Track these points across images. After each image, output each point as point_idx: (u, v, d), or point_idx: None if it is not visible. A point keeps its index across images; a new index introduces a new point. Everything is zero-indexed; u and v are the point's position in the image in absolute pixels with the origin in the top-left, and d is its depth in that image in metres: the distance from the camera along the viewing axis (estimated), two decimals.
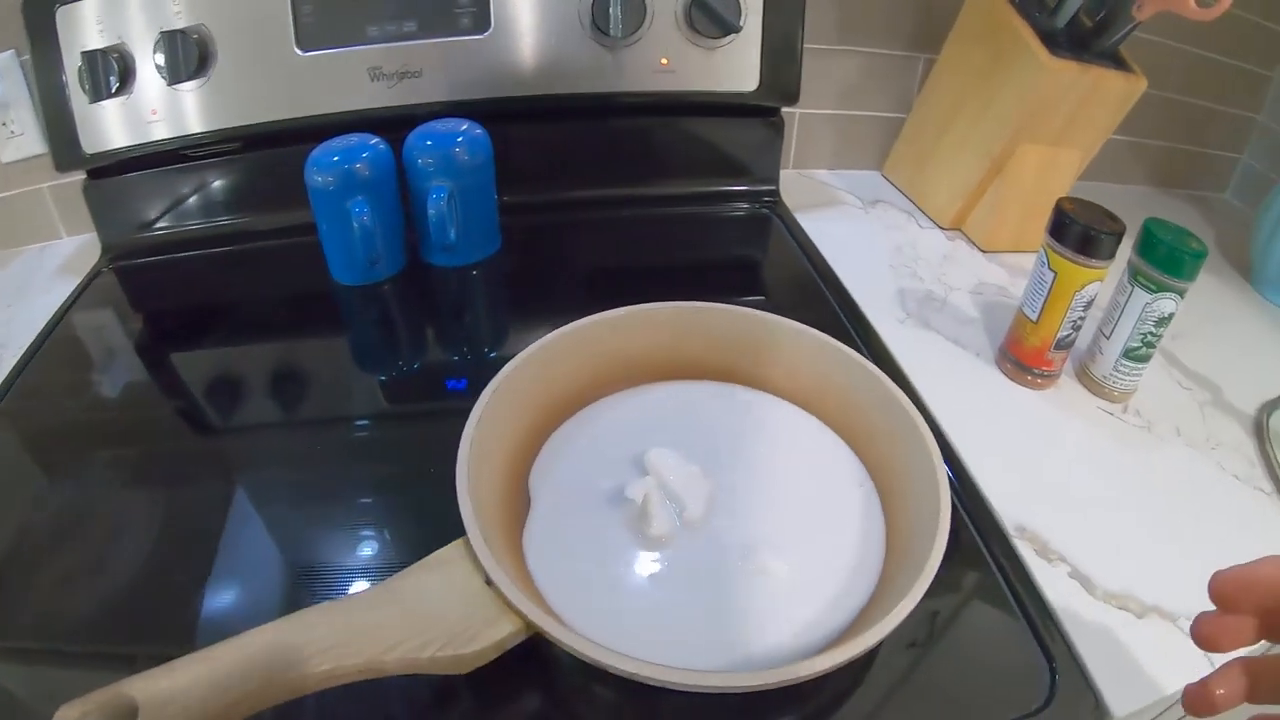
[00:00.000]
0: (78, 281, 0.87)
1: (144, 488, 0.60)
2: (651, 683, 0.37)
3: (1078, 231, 0.62)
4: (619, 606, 0.45)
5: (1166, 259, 0.64)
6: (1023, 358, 0.68)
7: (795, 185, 0.96)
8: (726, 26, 0.76)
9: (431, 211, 0.72)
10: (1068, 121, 0.81)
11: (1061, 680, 0.45)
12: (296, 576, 0.52)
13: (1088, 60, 0.78)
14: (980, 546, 0.53)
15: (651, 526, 0.47)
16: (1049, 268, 0.64)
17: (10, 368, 0.71)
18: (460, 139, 0.74)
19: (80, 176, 0.87)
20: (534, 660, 0.42)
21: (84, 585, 0.51)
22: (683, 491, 0.49)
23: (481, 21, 0.77)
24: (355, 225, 0.71)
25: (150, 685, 0.34)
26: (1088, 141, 0.86)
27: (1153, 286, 0.65)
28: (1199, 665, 0.46)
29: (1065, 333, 0.66)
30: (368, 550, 0.52)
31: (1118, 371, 0.67)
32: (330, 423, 0.66)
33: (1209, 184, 1.14)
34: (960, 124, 0.86)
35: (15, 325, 0.81)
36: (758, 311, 0.57)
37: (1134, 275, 0.67)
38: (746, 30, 0.78)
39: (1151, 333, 0.65)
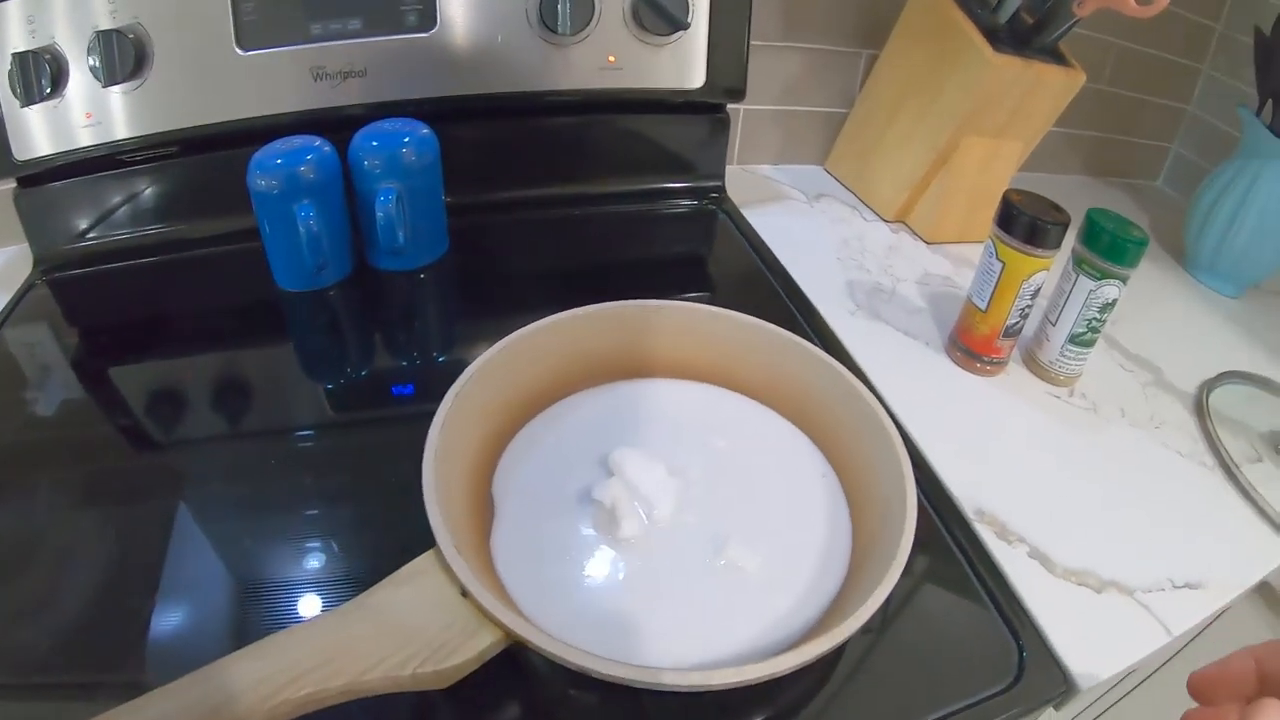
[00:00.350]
0: (9, 296, 0.83)
1: (86, 509, 0.57)
2: (635, 685, 0.36)
3: (1025, 222, 0.63)
4: (594, 609, 0.44)
5: (1110, 247, 0.66)
6: (972, 345, 0.70)
7: (740, 181, 0.96)
8: (675, 23, 0.76)
9: (380, 214, 0.70)
10: (1010, 115, 0.83)
11: (1029, 658, 0.46)
12: (248, 593, 0.50)
13: (1029, 55, 0.80)
14: (942, 531, 0.54)
15: (621, 529, 0.47)
16: (997, 258, 0.66)
17: None
18: (407, 139, 0.72)
19: (10, 185, 0.84)
20: (510, 669, 0.41)
21: (31, 616, 0.49)
22: (650, 491, 0.49)
23: (427, 19, 0.75)
24: (301, 230, 0.69)
25: None
26: (1029, 133, 0.88)
27: (1097, 274, 0.67)
28: (1158, 636, 0.48)
29: (1013, 320, 0.67)
30: (321, 563, 0.51)
31: (1064, 357, 0.69)
32: (277, 434, 0.64)
33: (1142, 172, 1.18)
34: (904, 119, 0.88)
35: None
36: (713, 307, 0.58)
37: (1078, 263, 0.69)
38: (693, 28, 0.78)
39: (1096, 319, 0.67)
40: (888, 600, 0.39)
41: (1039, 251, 0.64)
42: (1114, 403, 0.69)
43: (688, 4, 0.76)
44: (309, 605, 0.48)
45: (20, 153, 0.79)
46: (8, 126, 0.78)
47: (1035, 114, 0.85)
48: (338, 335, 0.76)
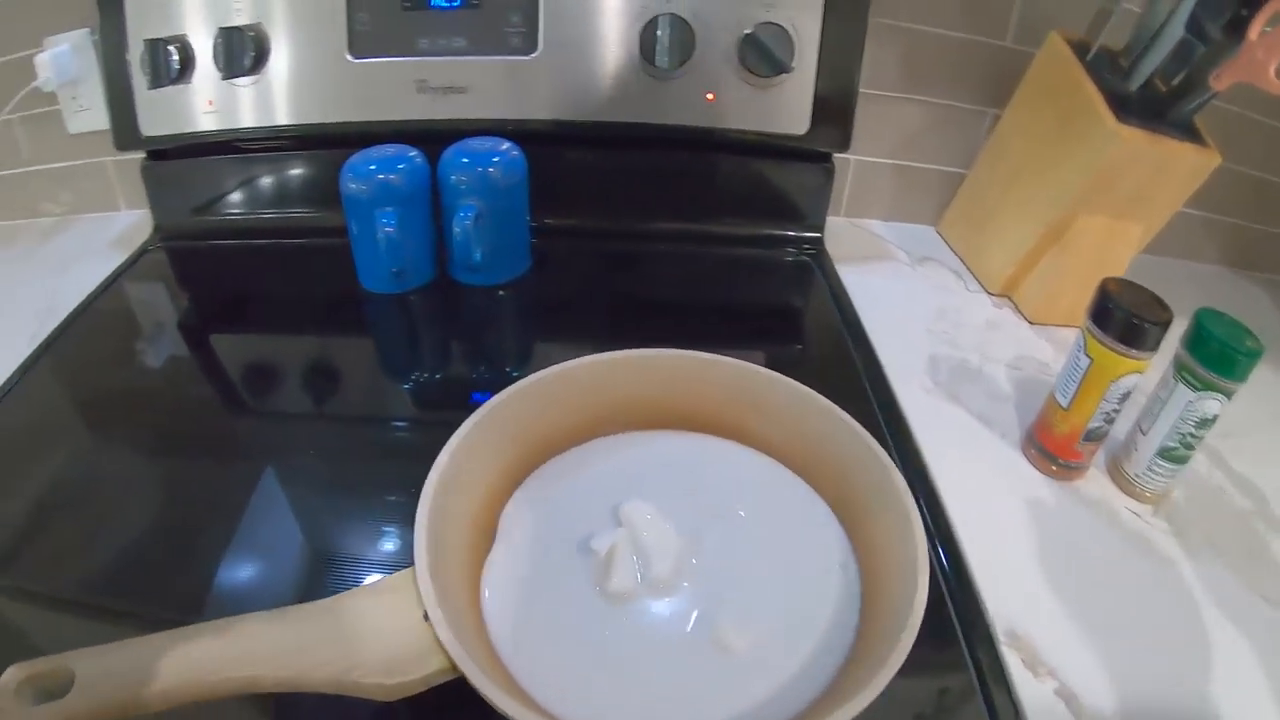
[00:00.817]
0: (129, 254, 0.91)
1: (178, 458, 0.64)
2: None
3: (1120, 318, 0.57)
4: (565, 660, 0.43)
5: (1216, 356, 0.60)
6: (1050, 445, 0.64)
7: (845, 234, 0.93)
8: (777, 65, 0.74)
9: (456, 230, 0.72)
10: (1133, 193, 0.77)
11: None
12: (314, 561, 0.54)
13: (1159, 130, 0.74)
14: (962, 647, 0.50)
15: (610, 581, 0.46)
16: (1085, 353, 0.60)
17: (54, 328, 0.77)
18: (496, 159, 0.73)
19: (139, 156, 0.90)
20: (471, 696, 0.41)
21: (106, 542, 0.54)
22: (652, 549, 0.47)
23: (530, 43, 0.76)
24: (380, 236, 0.71)
25: (91, 662, 0.37)
26: (1153, 215, 0.81)
27: (1198, 384, 0.61)
28: None
29: (1097, 424, 0.62)
30: (387, 545, 0.54)
31: (1151, 471, 0.63)
32: (353, 420, 0.68)
33: None
34: (1021, 186, 0.83)
35: (65, 291, 0.85)
36: (761, 369, 0.55)
37: (1179, 370, 0.63)
38: (800, 71, 0.76)
39: (1192, 434, 0.61)
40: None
41: (1132, 352, 0.58)
42: (1203, 530, 0.62)
43: (792, 46, 0.74)
44: (361, 579, 0.51)
45: (147, 129, 0.86)
46: (138, 104, 0.84)
47: (1162, 194, 0.78)
48: (412, 339, 0.78)
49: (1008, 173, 0.85)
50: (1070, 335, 0.81)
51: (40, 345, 0.75)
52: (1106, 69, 0.78)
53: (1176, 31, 0.72)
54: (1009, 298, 0.85)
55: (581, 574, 0.47)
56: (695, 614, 0.46)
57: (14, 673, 0.36)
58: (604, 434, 0.57)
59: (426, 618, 0.40)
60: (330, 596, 0.42)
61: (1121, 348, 0.58)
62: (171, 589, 0.51)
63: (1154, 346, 0.58)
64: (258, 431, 0.67)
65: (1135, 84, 0.76)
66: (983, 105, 0.89)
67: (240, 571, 0.52)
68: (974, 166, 0.91)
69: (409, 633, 0.40)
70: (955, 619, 0.51)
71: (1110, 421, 0.62)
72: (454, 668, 0.38)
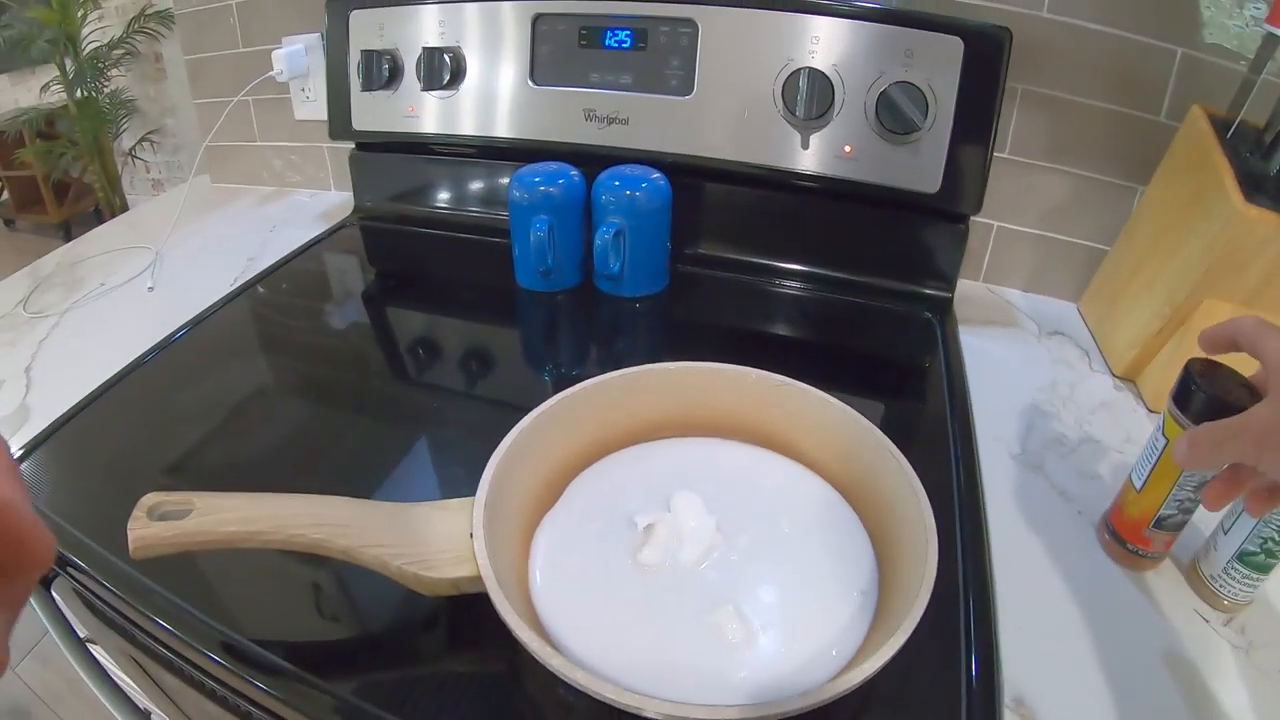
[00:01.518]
0: (330, 225, 1.06)
1: (335, 406, 0.76)
2: (556, 673, 0.42)
3: (1201, 400, 0.53)
4: (585, 608, 0.50)
5: None
6: (1120, 528, 0.62)
7: (979, 299, 0.93)
8: (908, 124, 0.77)
9: (598, 243, 0.80)
10: (1264, 281, 0.73)
11: None
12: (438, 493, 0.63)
13: None
14: (961, 701, 0.49)
15: (643, 553, 0.52)
16: (1163, 433, 0.57)
17: (255, 274, 0.93)
18: (643, 184, 0.81)
19: (349, 146, 1.04)
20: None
21: (261, 459, 0.68)
22: (688, 535, 0.53)
23: (687, 85, 0.84)
24: (532, 238, 0.81)
25: (208, 500, 0.48)
26: None
27: None
28: None
29: (1170, 512, 0.59)
30: None
31: (1229, 575, 0.58)
32: (490, 400, 0.77)
33: None
34: (1150, 265, 0.81)
35: (270, 246, 1.03)
36: (831, 399, 0.59)
37: None
38: (935, 131, 0.78)
39: (1274, 540, 0.56)
40: None
41: None
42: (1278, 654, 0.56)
43: (928, 107, 0.77)
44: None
45: (359, 124, 0.99)
46: (352, 103, 0.97)
47: None
48: (551, 333, 0.87)
49: (1141, 250, 0.83)
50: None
51: (240, 285, 0.90)
52: (1248, 147, 0.74)
53: None
54: (1133, 381, 0.84)
55: (623, 542, 0.54)
56: (711, 598, 0.50)
57: (151, 497, 0.47)
58: (677, 435, 0.63)
59: (471, 535, 0.48)
60: (403, 502, 0.52)
61: None
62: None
63: None
64: (412, 395, 0.77)
65: (1275, 164, 0.72)
66: (1132, 181, 0.87)
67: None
68: (1115, 243, 0.89)
69: (454, 543, 0.49)
70: (965, 674, 0.51)
71: (1187, 512, 0.58)
72: (479, 578, 0.46)
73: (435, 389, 0.78)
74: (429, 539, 0.49)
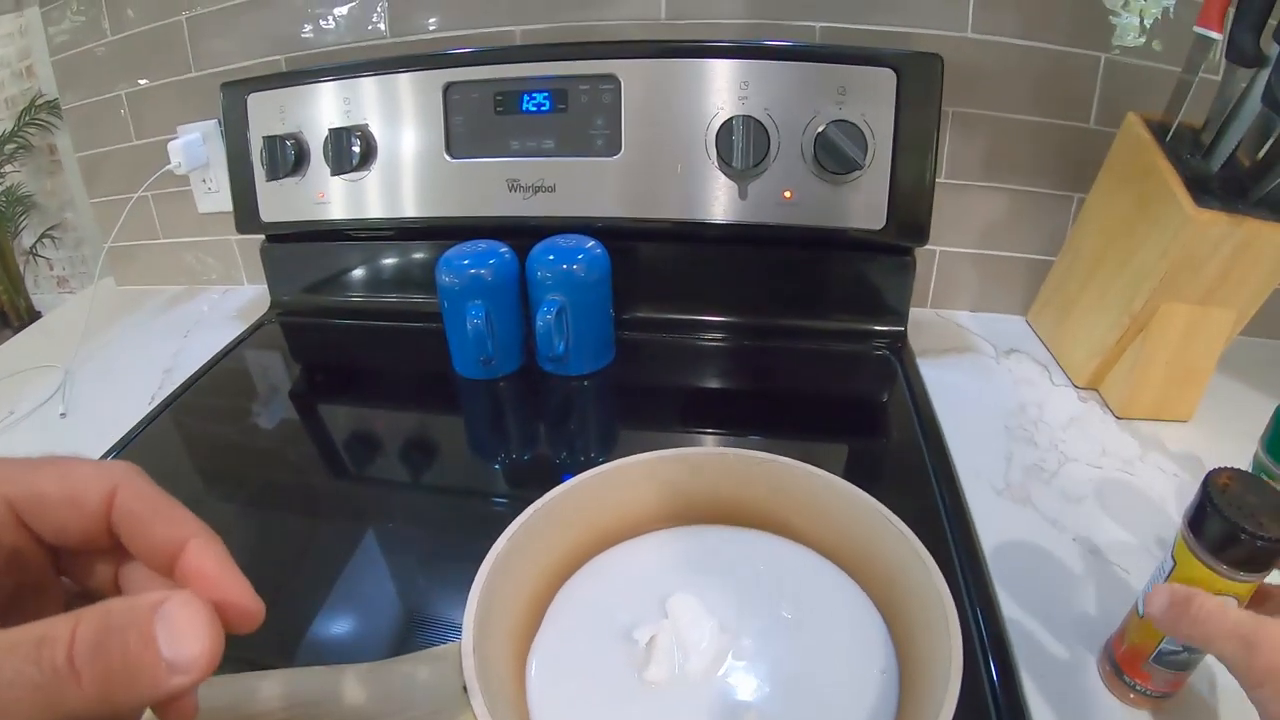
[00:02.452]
0: (249, 325, 0.99)
1: (279, 511, 0.70)
2: None
3: (1219, 526, 0.42)
4: None
5: None
6: (1120, 657, 0.51)
7: (930, 326, 0.92)
8: (849, 163, 0.75)
9: (539, 324, 0.75)
10: (1219, 277, 0.74)
11: None
12: (396, 619, 0.58)
13: (1243, 210, 0.71)
14: None
15: (649, 670, 0.48)
16: (1172, 555, 0.47)
17: (175, 387, 0.86)
18: (580, 256, 0.77)
19: (259, 239, 0.98)
20: None
21: None
22: (692, 642, 0.49)
23: (613, 145, 0.80)
24: (469, 327, 0.76)
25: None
26: (1245, 299, 0.78)
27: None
28: None
29: (1174, 648, 0.47)
30: (458, 610, 0.57)
31: None
32: (441, 492, 0.73)
33: None
34: (1102, 274, 0.81)
35: (185, 354, 0.96)
36: (818, 470, 0.55)
37: (1258, 471, 0.61)
38: (875, 167, 0.76)
39: None
40: None
41: (1231, 572, 0.42)
42: None
43: (867, 143, 0.75)
44: (437, 642, 0.54)
45: (266, 215, 0.94)
46: (258, 192, 0.92)
47: (1250, 277, 0.75)
48: (499, 422, 0.82)
49: (1090, 260, 0.83)
50: (1157, 430, 0.78)
51: (160, 403, 0.83)
52: (1187, 149, 0.75)
53: (1255, 104, 0.69)
54: (1096, 390, 0.84)
55: (624, 660, 0.49)
56: (729, 709, 0.47)
57: None
58: (657, 528, 0.59)
59: (465, 689, 0.42)
60: (386, 659, 0.47)
61: (1215, 564, 0.43)
62: (263, 633, 0.54)
63: (1264, 568, 0.42)
64: (356, 495, 0.72)
65: (1217, 163, 0.73)
66: (1068, 190, 0.87)
67: (329, 623, 0.57)
68: (1060, 254, 0.89)
69: (448, 703, 0.44)
70: None
71: (1198, 651, 0.47)
72: None
73: (384, 494, 0.73)
74: (416, 701, 0.45)
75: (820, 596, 0.55)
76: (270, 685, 0.44)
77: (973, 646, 0.55)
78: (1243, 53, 0.68)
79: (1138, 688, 0.50)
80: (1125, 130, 0.79)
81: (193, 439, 0.80)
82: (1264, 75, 0.68)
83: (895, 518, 0.52)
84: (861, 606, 0.54)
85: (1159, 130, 0.77)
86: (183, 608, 0.25)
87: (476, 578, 0.48)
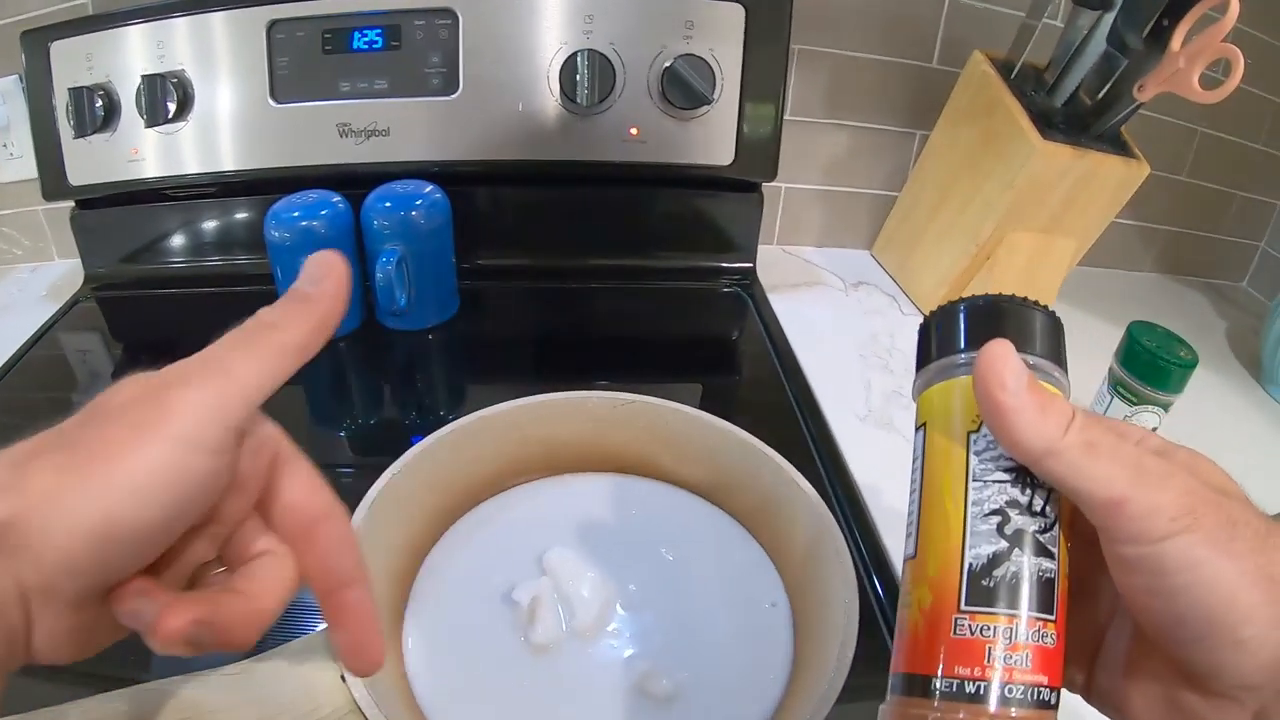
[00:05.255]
0: (60, 305, 0.89)
1: None
2: None
3: (947, 320, 0.32)
4: (491, 714, 0.43)
5: (1149, 369, 0.60)
6: (914, 659, 0.29)
7: (777, 263, 0.93)
8: (698, 98, 0.74)
9: (379, 276, 0.71)
10: (1062, 208, 0.77)
11: None
12: None
13: (1085, 144, 0.74)
14: None
15: (535, 632, 0.46)
16: (919, 429, 0.32)
17: None
18: (419, 202, 0.72)
19: (68, 205, 0.89)
20: None
21: None
22: (575, 597, 0.47)
23: (450, 83, 0.76)
24: None
25: None
26: (1084, 229, 0.82)
27: (1133, 399, 0.62)
28: None
29: (985, 548, 0.27)
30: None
31: None
32: None
33: (1225, 272, 1.08)
34: (948, 207, 0.83)
35: None
36: (684, 407, 0.54)
37: (1114, 385, 0.64)
38: (723, 102, 0.75)
39: None
40: None
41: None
42: None
43: (715, 78, 0.74)
44: (295, 631, 0.48)
45: (75, 178, 0.84)
46: (65, 153, 0.83)
47: (1091, 208, 0.79)
48: (340, 386, 0.77)
49: (935, 194, 0.85)
50: None
51: None
52: (1031, 86, 0.78)
53: (1098, 45, 0.72)
54: None
55: (506, 624, 0.47)
56: (622, 661, 0.45)
57: None
58: (524, 480, 0.56)
59: (344, 677, 0.39)
60: (248, 658, 0.41)
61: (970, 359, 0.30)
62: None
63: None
64: None
65: (1060, 100, 0.77)
66: (910, 127, 0.89)
67: None
68: (904, 189, 0.91)
69: (326, 695, 0.39)
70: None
71: (1018, 542, 0.28)
72: None
73: None
74: (294, 699, 0.39)
75: (699, 536, 0.54)
76: (118, 705, 0.38)
77: (858, 570, 0.54)
78: None
79: (966, 689, 0.27)
80: (971, 67, 0.81)
81: (9, 439, 0.71)
82: (1108, 18, 0.71)
83: (769, 449, 0.51)
84: (742, 542, 0.53)
85: (1003, 69, 0.79)
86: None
87: None
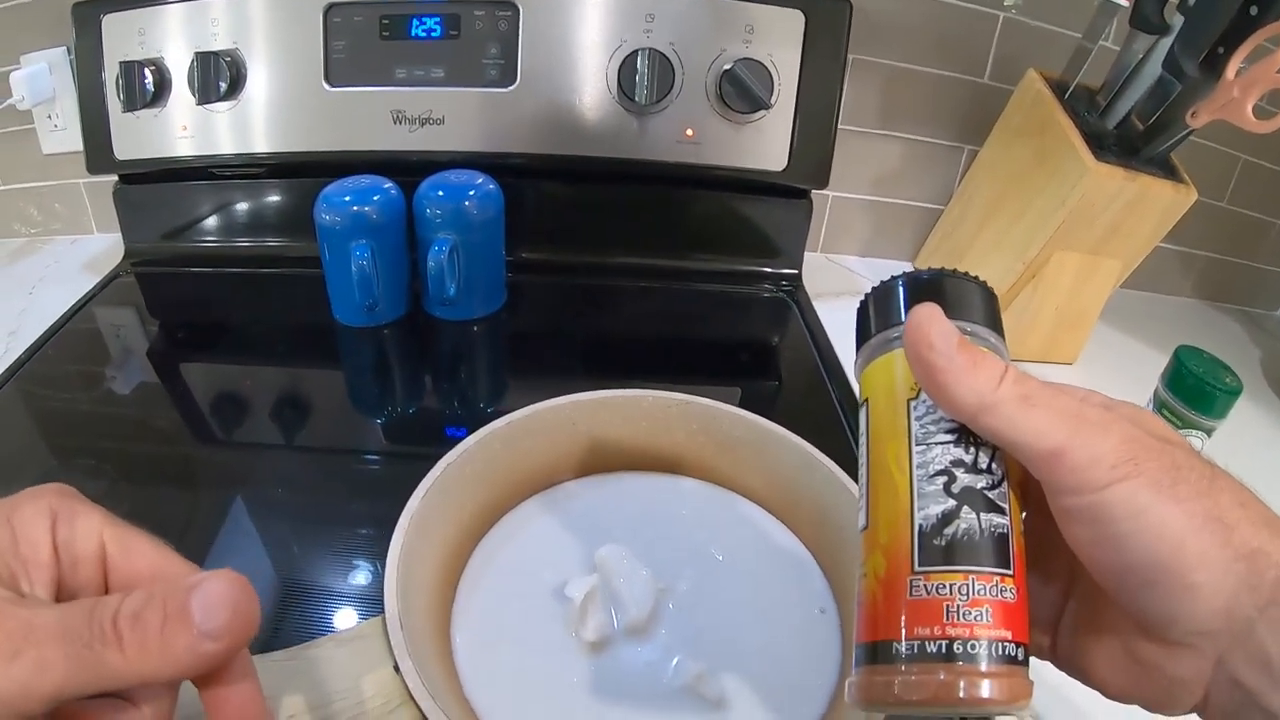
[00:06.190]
0: (99, 279, 0.89)
1: (142, 486, 0.62)
2: None
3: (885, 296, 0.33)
4: (541, 712, 0.43)
5: (1195, 394, 0.60)
6: (873, 627, 0.28)
7: (821, 270, 0.92)
8: (756, 102, 0.74)
9: (431, 264, 0.71)
10: (1110, 230, 0.77)
11: None
12: (282, 595, 0.52)
13: (1135, 166, 0.75)
14: None
15: (585, 629, 0.45)
16: (862, 397, 0.32)
17: (21, 352, 0.75)
18: (472, 192, 0.72)
19: (112, 179, 0.89)
20: None
21: None
22: (626, 595, 0.46)
23: (508, 75, 0.76)
24: (354, 268, 0.70)
25: None
26: (1130, 251, 0.82)
27: (1178, 423, 0.61)
28: None
29: (935, 507, 0.27)
30: (358, 580, 0.52)
31: None
32: (322, 453, 0.67)
33: (1262, 301, 1.08)
34: (997, 223, 0.83)
35: (31, 313, 0.84)
36: (730, 407, 0.54)
37: (1159, 407, 0.63)
38: (778, 108, 0.75)
39: None
40: None
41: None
42: None
43: (773, 84, 0.74)
44: (343, 618, 0.50)
45: (121, 152, 0.84)
46: (112, 127, 0.83)
47: (1139, 231, 0.79)
48: (384, 373, 0.77)
49: (983, 209, 0.85)
50: (1044, 371, 0.79)
51: (4, 371, 0.73)
52: (1084, 107, 0.78)
53: (1153, 70, 0.73)
54: None
55: (556, 621, 0.47)
56: (673, 662, 0.45)
57: None
58: (575, 477, 0.56)
59: (397, 669, 0.39)
60: (298, 645, 0.41)
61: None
62: None
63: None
64: (227, 462, 0.65)
65: (1112, 122, 0.77)
66: (959, 142, 0.89)
67: None
68: (950, 203, 0.91)
69: (378, 685, 0.39)
70: None
71: (971, 502, 0.27)
72: None
73: (258, 459, 0.66)
74: (346, 687, 0.39)
75: (750, 538, 0.53)
76: None
77: None
78: (1147, 21, 0.71)
79: (917, 649, 0.26)
80: (1025, 85, 0.82)
81: (43, 411, 0.71)
82: (1165, 43, 0.71)
83: (822, 456, 0.51)
84: (792, 547, 0.53)
85: (1057, 88, 0.79)
86: (218, 582, 0.27)
87: (392, 543, 0.44)
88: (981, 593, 0.26)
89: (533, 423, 0.53)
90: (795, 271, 0.86)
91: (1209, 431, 0.62)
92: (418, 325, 0.78)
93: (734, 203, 0.83)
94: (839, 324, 0.81)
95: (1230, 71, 0.65)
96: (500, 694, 0.43)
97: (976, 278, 0.31)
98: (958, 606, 0.26)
